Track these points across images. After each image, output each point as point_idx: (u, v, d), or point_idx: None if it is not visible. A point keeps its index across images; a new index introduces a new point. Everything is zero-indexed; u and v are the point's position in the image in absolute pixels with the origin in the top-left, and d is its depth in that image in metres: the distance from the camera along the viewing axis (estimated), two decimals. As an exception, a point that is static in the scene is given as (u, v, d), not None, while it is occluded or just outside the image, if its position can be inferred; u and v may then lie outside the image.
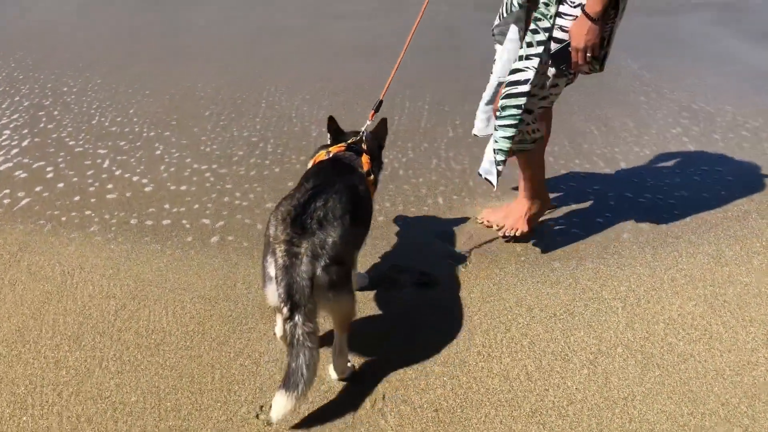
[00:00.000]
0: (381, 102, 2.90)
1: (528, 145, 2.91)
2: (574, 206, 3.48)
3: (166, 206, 3.38)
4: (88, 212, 3.31)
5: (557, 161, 3.92)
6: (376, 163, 2.74)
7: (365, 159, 2.62)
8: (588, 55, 2.55)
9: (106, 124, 4.34)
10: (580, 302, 2.77)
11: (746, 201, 3.56)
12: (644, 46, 6.00)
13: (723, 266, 3.02)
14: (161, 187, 3.57)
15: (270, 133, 4.22)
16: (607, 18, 2.52)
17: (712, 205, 3.50)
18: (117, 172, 3.72)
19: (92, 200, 3.42)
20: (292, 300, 2.02)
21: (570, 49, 2.58)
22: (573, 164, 3.90)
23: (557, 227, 3.29)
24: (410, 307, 2.72)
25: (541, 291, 2.83)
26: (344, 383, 2.34)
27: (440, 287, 2.84)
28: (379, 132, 2.85)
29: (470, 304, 2.74)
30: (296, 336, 2.01)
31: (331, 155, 2.61)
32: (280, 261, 2.06)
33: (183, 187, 3.57)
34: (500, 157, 2.82)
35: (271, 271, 2.08)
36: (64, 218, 3.25)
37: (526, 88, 2.68)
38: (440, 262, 3.00)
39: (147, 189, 3.54)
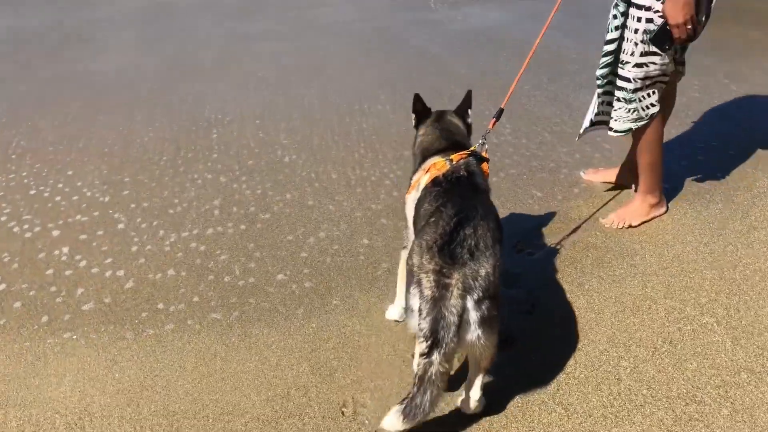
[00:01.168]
0: (502, 110, 2.72)
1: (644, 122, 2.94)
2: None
3: (160, 305, 2.81)
4: (67, 334, 2.69)
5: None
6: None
7: (485, 166, 2.37)
8: (690, 26, 2.61)
9: (47, 194, 3.69)
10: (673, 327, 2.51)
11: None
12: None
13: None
14: (143, 279, 2.97)
15: (237, 166, 3.72)
16: None
17: None
18: (82, 264, 3.09)
19: (66, 317, 2.79)
20: (436, 337, 1.84)
21: (668, 27, 2.64)
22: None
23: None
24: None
25: (625, 321, 2.56)
26: None
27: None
28: (464, 107, 2.60)
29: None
30: (429, 374, 1.84)
31: (453, 165, 2.26)
32: (428, 292, 1.88)
33: (170, 273, 3.00)
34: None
35: (415, 303, 1.92)
36: (37, 349, 2.61)
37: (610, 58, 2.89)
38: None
39: (127, 286, 2.94)
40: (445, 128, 2.51)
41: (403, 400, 1.88)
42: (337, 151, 4.11)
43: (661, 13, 2.67)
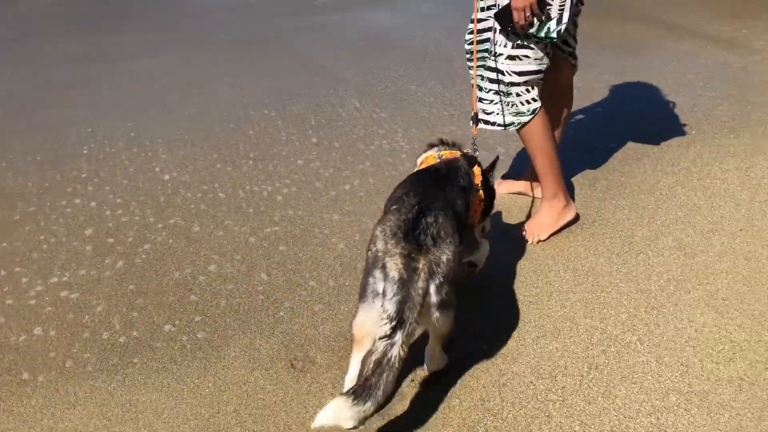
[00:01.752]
0: (476, 114, 2.82)
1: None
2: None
3: (25, 376, 2.38)
4: None
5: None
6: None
7: (477, 170, 2.47)
8: (528, 14, 2.60)
9: None
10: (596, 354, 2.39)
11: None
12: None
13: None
14: (2, 344, 2.54)
15: (109, 187, 3.30)
16: None
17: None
18: None
19: None
20: (401, 317, 1.89)
21: (511, 8, 2.63)
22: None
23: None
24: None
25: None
26: None
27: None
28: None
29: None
30: (389, 356, 1.84)
31: (440, 160, 2.45)
32: (395, 274, 1.93)
33: (36, 332, 2.58)
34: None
35: (379, 286, 1.94)
36: None
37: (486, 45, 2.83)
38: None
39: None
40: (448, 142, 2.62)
41: (350, 389, 1.82)
42: (224, 166, 3.78)
43: None
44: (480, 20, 2.83)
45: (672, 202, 3.27)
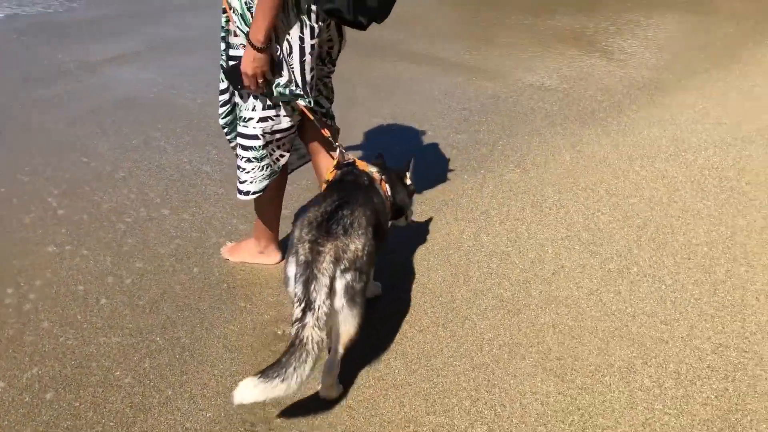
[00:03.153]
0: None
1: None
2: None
3: None
4: None
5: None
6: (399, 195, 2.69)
7: (375, 175, 2.56)
8: (260, 81, 2.45)
9: None
10: None
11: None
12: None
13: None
14: None
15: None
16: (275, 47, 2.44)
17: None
18: None
19: None
20: (308, 298, 1.97)
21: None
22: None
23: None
24: None
25: None
26: None
27: None
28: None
29: None
30: (302, 337, 1.92)
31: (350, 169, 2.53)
32: (302, 258, 2.04)
33: None
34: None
35: (291, 270, 2.06)
36: None
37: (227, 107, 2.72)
38: None
39: None
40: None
41: (264, 369, 1.89)
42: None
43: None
44: (225, 90, 2.70)
45: (481, 253, 3.14)
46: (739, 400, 2.27)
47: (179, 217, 3.49)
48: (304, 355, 1.90)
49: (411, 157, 2.89)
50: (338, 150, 2.61)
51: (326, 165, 2.80)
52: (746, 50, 6.02)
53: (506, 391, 2.34)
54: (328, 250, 2.04)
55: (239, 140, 2.68)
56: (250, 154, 2.68)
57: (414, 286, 2.92)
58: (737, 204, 3.46)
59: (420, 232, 3.32)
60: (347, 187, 2.41)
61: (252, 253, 3.08)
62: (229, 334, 2.66)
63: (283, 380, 1.86)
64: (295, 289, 2.00)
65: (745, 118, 4.52)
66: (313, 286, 1.98)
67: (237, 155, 2.74)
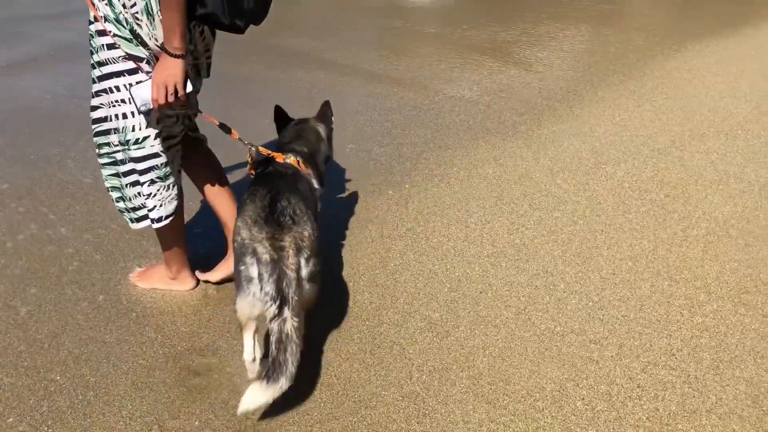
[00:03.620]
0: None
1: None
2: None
3: None
4: None
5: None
6: (321, 156, 2.79)
7: (293, 160, 2.55)
8: (171, 93, 2.23)
9: None
10: None
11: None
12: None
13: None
14: None
15: None
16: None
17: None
18: None
19: None
20: (282, 294, 2.04)
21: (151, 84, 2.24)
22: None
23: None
24: None
25: None
26: None
27: None
28: (323, 118, 2.95)
29: None
30: (285, 332, 2.02)
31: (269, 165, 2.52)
32: (266, 256, 2.06)
33: None
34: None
35: (254, 271, 2.07)
36: None
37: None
38: None
39: None
40: (292, 134, 2.80)
41: (263, 374, 2.01)
42: None
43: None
44: (96, 107, 2.39)
45: (408, 272, 3.03)
46: (670, 420, 2.25)
47: (81, 238, 3.22)
48: (293, 346, 2.02)
49: (325, 104, 2.98)
50: (249, 148, 2.51)
51: (223, 200, 2.74)
52: (657, 62, 6.21)
53: (438, 422, 2.23)
54: (289, 244, 2.09)
55: (133, 165, 2.43)
56: (152, 175, 2.46)
57: (340, 309, 2.78)
58: (657, 217, 3.50)
59: (346, 250, 3.19)
60: (271, 179, 2.39)
61: (163, 279, 2.86)
62: (138, 370, 2.44)
63: (286, 377, 2.00)
64: (265, 288, 2.04)
65: (660, 130, 4.62)
66: (285, 282, 2.04)
67: (126, 185, 2.48)
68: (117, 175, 2.48)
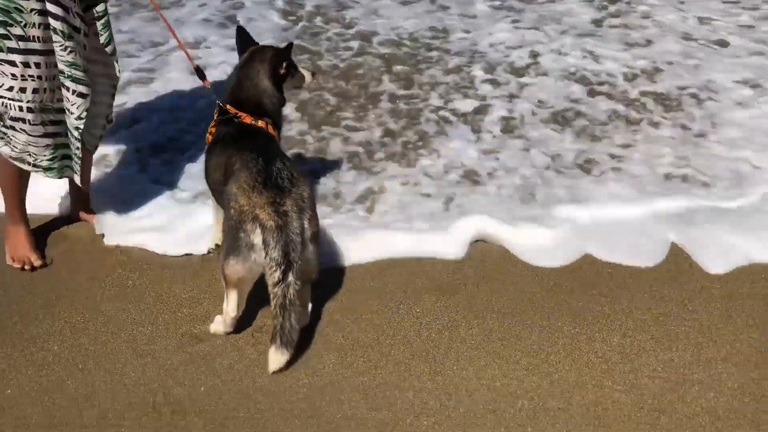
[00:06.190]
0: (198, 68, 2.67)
1: None
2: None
3: None
4: None
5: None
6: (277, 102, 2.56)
7: (261, 122, 2.43)
8: None
9: None
10: None
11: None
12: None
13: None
14: None
15: None
16: None
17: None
18: None
19: None
20: (288, 260, 2.05)
21: None
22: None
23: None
24: None
25: None
26: None
27: None
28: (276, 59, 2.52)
29: None
30: (288, 297, 2.05)
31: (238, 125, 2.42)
32: (271, 223, 2.05)
33: None
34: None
35: (257, 238, 2.06)
36: None
37: None
38: None
39: None
40: (243, 80, 2.51)
41: (273, 337, 2.10)
42: None
43: None
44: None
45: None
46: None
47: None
48: (298, 309, 2.09)
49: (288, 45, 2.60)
50: (217, 104, 2.50)
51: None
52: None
53: (450, 378, 2.19)
54: (291, 207, 2.10)
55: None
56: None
57: (346, 272, 2.71)
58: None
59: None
60: (254, 143, 2.31)
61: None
62: (138, 337, 2.37)
63: (296, 337, 2.12)
64: (272, 254, 2.04)
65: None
66: (291, 247, 2.06)
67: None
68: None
